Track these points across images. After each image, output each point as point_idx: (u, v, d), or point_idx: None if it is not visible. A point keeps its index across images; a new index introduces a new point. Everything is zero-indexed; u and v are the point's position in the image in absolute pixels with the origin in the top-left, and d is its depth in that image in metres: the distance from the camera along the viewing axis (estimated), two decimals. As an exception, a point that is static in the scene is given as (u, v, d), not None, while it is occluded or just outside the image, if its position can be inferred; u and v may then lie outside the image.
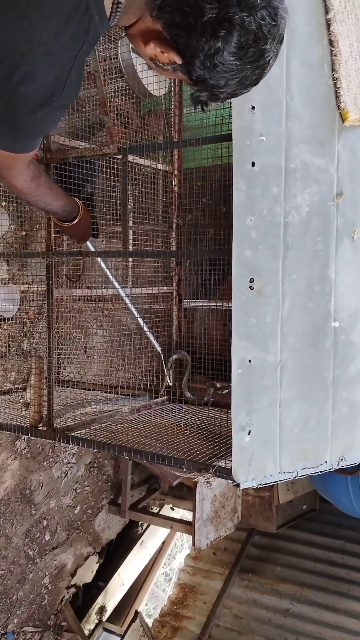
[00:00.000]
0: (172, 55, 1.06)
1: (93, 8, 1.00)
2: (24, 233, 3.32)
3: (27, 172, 1.55)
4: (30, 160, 1.50)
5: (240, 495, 3.57)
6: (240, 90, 1.10)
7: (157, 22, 1.04)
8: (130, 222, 2.86)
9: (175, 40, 1.03)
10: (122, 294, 2.56)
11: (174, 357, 2.83)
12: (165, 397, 2.81)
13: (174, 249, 2.92)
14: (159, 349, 2.76)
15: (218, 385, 2.70)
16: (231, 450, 1.69)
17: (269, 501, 3.70)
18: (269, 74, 1.68)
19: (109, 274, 2.46)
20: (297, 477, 1.81)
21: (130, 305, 2.60)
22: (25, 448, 3.49)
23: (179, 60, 1.06)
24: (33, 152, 1.30)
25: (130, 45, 2.75)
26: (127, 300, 2.58)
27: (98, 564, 4.33)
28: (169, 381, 2.74)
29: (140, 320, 2.64)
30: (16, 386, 3.08)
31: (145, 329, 2.68)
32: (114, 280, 2.49)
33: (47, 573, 3.85)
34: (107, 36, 2.84)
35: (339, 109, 1.85)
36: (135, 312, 2.63)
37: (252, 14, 0.97)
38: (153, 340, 2.73)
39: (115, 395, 2.76)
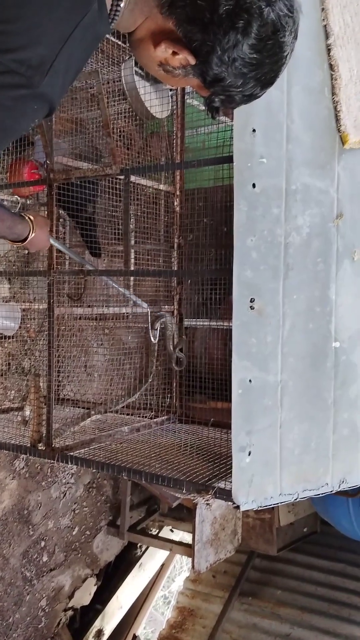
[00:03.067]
0: (186, 55, 0.99)
1: None
2: (26, 252, 3.34)
3: None
4: None
5: (241, 517, 3.54)
6: (257, 90, 1.04)
7: (168, 19, 0.98)
8: (132, 242, 2.88)
9: (189, 38, 0.97)
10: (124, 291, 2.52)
11: (160, 322, 2.73)
12: (166, 417, 2.80)
13: (175, 269, 2.93)
14: (145, 306, 2.66)
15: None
16: (231, 471, 1.68)
17: (269, 523, 3.67)
18: (270, 97, 1.71)
19: (110, 282, 2.43)
20: (297, 500, 1.80)
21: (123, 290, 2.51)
22: (23, 467, 3.47)
23: (192, 61, 1.00)
24: None
25: (134, 68, 2.79)
26: (125, 292, 2.51)
27: (96, 587, 4.27)
28: (153, 340, 2.63)
29: (122, 289, 2.53)
30: (15, 405, 3.08)
31: (127, 293, 2.58)
32: (112, 283, 2.45)
33: (44, 595, 3.80)
34: (110, 59, 2.88)
35: (339, 132, 1.87)
36: (121, 289, 2.55)
37: (269, 4, 0.93)
38: (138, 301, 2.63)
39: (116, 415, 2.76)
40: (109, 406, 2.52)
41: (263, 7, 0.92)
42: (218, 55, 0.96)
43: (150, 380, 2.60)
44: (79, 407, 2.83)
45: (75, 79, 1.04)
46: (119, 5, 0.98)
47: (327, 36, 1.86)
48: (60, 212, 3.05)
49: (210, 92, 1.04)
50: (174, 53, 1.00)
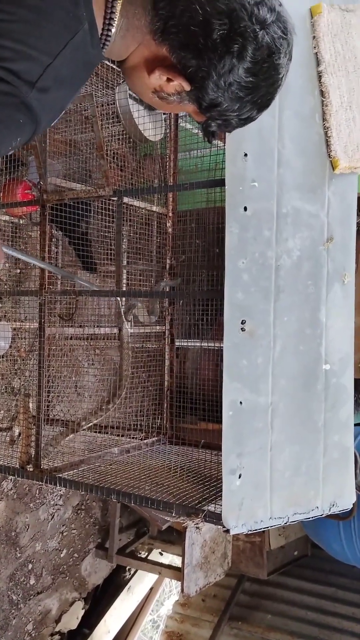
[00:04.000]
0: (181, 82, 0.99)
1: (82, 5, 0.90)
2: (18, 271, 3.34)
3: None
4: None
5: (231, 541, 3.51)
6: (254, 113, 1.03)
7: (161, 46, 0.98)
8: (124, 262, 2.88)
9: (184, 64, 0.97)
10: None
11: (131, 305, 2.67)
12: (156, 438, 2.78)
13: (167, 290, 2.93)
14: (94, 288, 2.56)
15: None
16: (221, 493, 1.67)
17: (259, 547, 3.63)
18: (262, 122, 1.74)
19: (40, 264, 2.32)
20: (287, 523, 1.78)
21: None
22: (12, 489, 3.43)
23: (187, 87, 0.99)
24: None
25: (128, 91, 2.83)
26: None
27: (83, 610, 4.20)
28: (129, 329, 2.54)
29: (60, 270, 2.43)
30: (4, 425, 3.05)
31: (70, 275, 2.49)
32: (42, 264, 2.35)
33: (30, 619, 3.73)
34: (104, 82, 2.92)
35: (329, 157, 1.89)
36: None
37: (264, 27, 0.93)
38: (87, 284, 2.54)
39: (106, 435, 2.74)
40: (86, 422, 2.47)
41: (257, 30, 0.93)
42: (214, 81, 0.96)
43: (123, 394, 2.53)
44: (68, 428, 2.81)
45: (68, 103, 1.02)
46: (110, 30, 0.96)
47: (318, 63, 1.90)
48: (53, 231, 3.06)
49: (207, 117, 1.03)
50: (169, 80, 1.00)
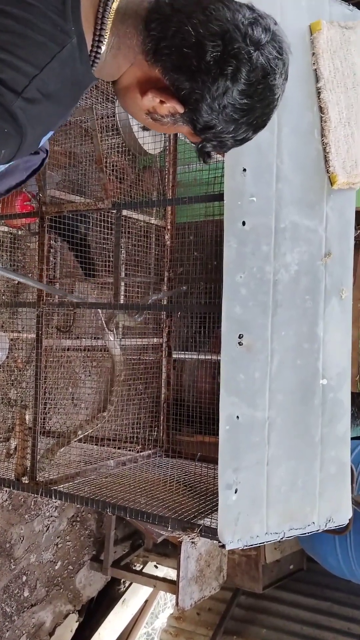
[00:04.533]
0: (174, 104, 0.96)
1: (70, 20, 0.88)
2: (16, 282, 3.34)
3: None
4: None
5: (226, 554, 3.49)
6: (249, 134, 1.01)
7: (153, 67, 0.95)
8: (123, 274, 2.89)
9: (177, 86, 0.94)
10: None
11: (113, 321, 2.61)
12: (152, 451, 2.78)
13: (165, 302, 2.94)
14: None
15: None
16: (217, 507, 1.67)
17: (255, 560, 3.61)
18: (261, 138, 1.75)
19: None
20: (283, 539, 1.78)
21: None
22: (7, 500, 3.41)
23: (180, 109, 0.97)
24: None
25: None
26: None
27: (78, 623, 4.16)
28: (111, 338, 2.45)
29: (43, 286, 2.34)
30: (0, 436, 3.04)
31: (54, 290, 2.44)
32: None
33: (24, 632, 3.70)
34: (105, 95, 2.94)
35: (328, 172, 1.90)
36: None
37: (258, 48, 0.91)
38: (71, 297, 2.43)
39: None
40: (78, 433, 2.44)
41: (252, 51, 0.91)
42: (208, 103, 0.93)
43: (113, 407, 2.49)
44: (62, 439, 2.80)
45: (57, 122, 0.99)
46: (100, 47, 0.94)
47: (317, 80, 1.92)
48: (52, 242, 3.07)
49: (202, 138, 1.01)
50: (162, 101, 0.97)
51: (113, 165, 2.94)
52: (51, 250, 3.04)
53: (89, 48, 0.93)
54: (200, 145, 1.02)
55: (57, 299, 2.70)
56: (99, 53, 0.94)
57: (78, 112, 2.54)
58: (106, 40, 0.94)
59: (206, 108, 0.94)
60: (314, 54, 1.91)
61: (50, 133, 1.01)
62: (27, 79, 0.85)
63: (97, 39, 0.93)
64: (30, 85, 0.85)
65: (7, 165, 1.01)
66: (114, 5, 0.94)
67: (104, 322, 2.30)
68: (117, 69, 0.99)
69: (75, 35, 0.89)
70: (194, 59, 0.91)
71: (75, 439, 2.35)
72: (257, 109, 0.97)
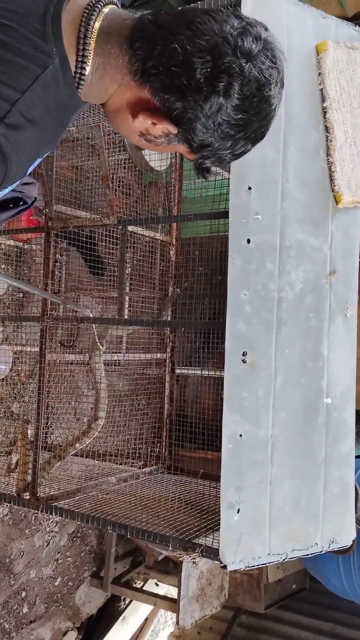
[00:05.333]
0: (166, 125, 0.92)
1: (51, 41, 0.85)
2: (21, 295, 3.35)
3: None
4: None
5: (228, 573, 3.45)
6: (248, 147, 0.97)
7: (142, 88, 0.91)
8: (127, 289, 2.89)
9: (168, 107, 0.90)
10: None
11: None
12: (154, 467, 2.76)
13: (169, 318, 2.94)
14: (87, 312, 2.41)
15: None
16: (218, 525, 1.65)
17: (257, 579, 3.57)
18: (266, 156, 1.75)
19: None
20: (286, 560, 1.75)
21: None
22: (7, 514, 3.39)
23: (174, 130, 0.93)
24: None
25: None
26: None
27: (77, 641, 4.12)
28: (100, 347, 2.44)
29: (51, 296, 2.29)
30: (2, 450, 3.03)
31: (60, 300, 2.37)
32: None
33: (22, 649, 3.66)
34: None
35: (333, 191, 1.91)
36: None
37: (250, 60, 0.86)
38: (77, 307, 2.39)
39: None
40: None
41: (243, 64, 0.86)
42: (201, 122, 0.89)
43: (101, 422, 2.43)
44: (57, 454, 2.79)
45: (44, 148, 0.95)
46: (84, 69, 0.90)
47: (323, 99, 1.93)
48: (58, 256, 3.07)
49: (199, 156, 0.98)
50: (154, 123, 0.93)
51: (119, 181, 2.95)
52: (56, 264, 3.05)
53: (73, 69, 0.90)
54: (198, 163, 0.99)
55: (61, 312, 2.70)
56: (84, 74, 0.91)
57: (85, 129, 2.56)
58: (90, 60, 0.90)
59: (200, 127, 0.90)
60: (320, 73, 1.92)
61: (38, 160, 0.97)
62: (8, 104, 0.81)
63: (80, 59, 0.90)
64: (12, 110, 0.82)
65: (4, 192, 0.97)
66: (97, 25, 0.90)
67: (96, 337, 2.28)
68: (105, 91, 0.95)
69: (57, 57, 0.86)
70: (184, 78, 0.86)
71: (72, 452, 2.33)
72: (254, 122, 0.93)
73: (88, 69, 0.91)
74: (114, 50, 0.91)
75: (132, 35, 0.90)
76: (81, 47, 0.89)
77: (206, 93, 0.87)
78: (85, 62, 0.90)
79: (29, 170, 0.97)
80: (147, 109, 0.92)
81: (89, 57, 0.90)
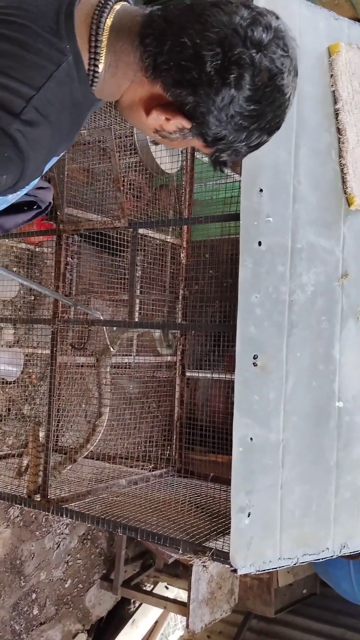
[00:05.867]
0: (180, 120, 0.92)
1: (65, 38, 0.85)
2: (33, 298, 3.36)
3: None
4: None
5: (238, 577, 3.43)
6: (264, 139, 0.96)
7: (154, 84, 0.91)
8: (137, 292, 2.89)
9: (180, 102, 0.90)
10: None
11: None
12: (164, 470, 2.75)
13: (179, 320, 2.93)
14: (97, 315, 2.41)
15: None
16: (229, 529, 1.64)
17: (267, 584, 3.55)
18: (278, 158, 1.75)
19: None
20: (297, 564, 1.74)
21: None
22: (18, 516, 3.39)
23: (187, 124, 0.93)
24: None
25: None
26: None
27: (86, 643, 4.12)
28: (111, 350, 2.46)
29: (59, 296, 2.27)
30: (13, 451, 3.03)
31: (70, 302, 2.35)
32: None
33: (32, 651, 3.66)
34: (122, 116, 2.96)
35: (345, 193, 1.90)
36: None
37: (260, 50, 0.86)
38: (89, 310, 2.41)
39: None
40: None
41: (254, 55, 0.85)
42: (214, 115, 0.89)
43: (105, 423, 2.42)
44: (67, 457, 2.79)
45: (60, 146, 0.95)
46: (97, 66, 0.91)
47: (335, 101, 1.92)
48: (69, 259, 3.08)
49: (214, 149, 0.97)
50: (168, 119, 0.93)
51: (130, 184, 2.95)
52: (67, 267, 3.05)
53: (86, 67, 0.90)
54: (214, 156, 0.99)
55: (72, 315, 2.71)
56: (97, 72, 0.91)
57: (97, 132, 2.56)
58: (102, 58, 0.91)
59: (213, 120, 0.90)
60: (332, 75, 1.91)
61: (54, 159, 0.97)
62: (24, 101, 0.82)
63: (92, 57, 0.90)
64: (27, 107, 0.82)
65: (16, 195, 0.97)
66: (108, 22, 0.91)
67: (108, 341, 2.28)
68: (117, 88, 0.95)
69: (70, 54, 0.87)
70: (194, 71, 0.86)
71: (85, 453, 2.34)
72: (268, 113, 0.92)
73: (101, 66, 0.91)
74: (125, 47, 0.91)
75: (142, 32, 0.91)
76: (93, 45, 0.90)
77: (217, 86, 0.86)
78: (98, 60, 0.90)
79: (46, 169, 0.97)
80: (160, 105, 0.93)
81: (101, 55, 0.90)
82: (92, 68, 0.90)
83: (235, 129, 0.92)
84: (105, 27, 0.90)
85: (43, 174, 0.98)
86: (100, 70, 0.91)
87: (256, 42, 0.85)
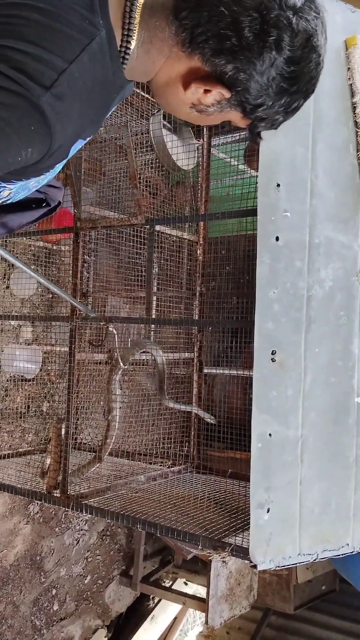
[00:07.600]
0: (220, 90, 0.93)
1: (98, 13, 0.85)
2: (51, 296, 3.38)
3: None
4: None
5: (257, 573, 3.43)
6: (301, 102, 0.98)
7: (192, 56, 0.92)
8: (155, 288, 2.90)
9: (220, 71, 0.91)
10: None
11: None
12: (183, 466, 2.76)
13: (196, 317, 2.93)
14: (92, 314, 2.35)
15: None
16: (248, 525, 1.64)
17: (286, 580, 3.55)
18: (295, 154, 1.74)
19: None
20: (316, 560, 1.74)
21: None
22: (38, 512, 3.43)
23: (227, 94, 0.93)
24: None
25: (162, 121, 2.86)
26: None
27: (106, 638, 4.14)
28: (123, 365, 2.39)
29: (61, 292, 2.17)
30: (32, 448, 3.06)
31: (72, 299, 2.25)
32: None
33: (53, 646, 3.70)
34: (139, 113, 2.97)
35: (363, 188, 1.88)
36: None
37: (296, 12, 0.88)
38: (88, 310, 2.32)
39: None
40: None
41: (291, 16, 0.87)
42: (255, 80, 0.90)
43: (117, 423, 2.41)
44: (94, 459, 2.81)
45: (87, 126, 0.94)
46: (129, 42, 0.91)
47: (352, 95, 1.90)
48: (86, 257, 3.10)
49: (252, 119, 0.98)
50: (206, 91, 0.94)
51: (146, 181, 2.96)
52: (85, 265, 3.07)
53: (119, 44, 0.89)
54: (251, 127, 0.99)
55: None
56: (129, 49, 0.91)
57: (113, 129, 2.57)
58: (135, 34, 0.91)
59: (254, 85, 0.91)
60: (349, 69, 1.90)
61: (81, 142, 0.97)
62: (55, 73, 0.79)
63: (126, 33, 0.90)
64: (59, 79, 0.79)
65: (37, 182, 0.96)
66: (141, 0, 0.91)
67: (119, 358, 2.27)
68: (152, 65, 0.95)
69: (104, 29, 0.86)
70: (234, 38, 0.87)
71: (107, 452, 2.35)
72: (305, 74, 0.93)
73: (133, 43, 0.91)
74: (160, 23, 0.92)
75: (176, 7, 0.91)
76: (127, 21, 0.90)
77: (258, 49, 0.88)
78: (131, 36, 0.90)
79: (71, 153, 0.96)
80: (198, 78, 0.93)
81: (134, 31, 0.90)
82: (124, 44, 0.90)
83: (275, 92, 0.93)
84: (139, 4, 0.91)
85: (69, 158, 0.98)
86: (132, 47, 0.91)
87: (291, 5, 0.87)
